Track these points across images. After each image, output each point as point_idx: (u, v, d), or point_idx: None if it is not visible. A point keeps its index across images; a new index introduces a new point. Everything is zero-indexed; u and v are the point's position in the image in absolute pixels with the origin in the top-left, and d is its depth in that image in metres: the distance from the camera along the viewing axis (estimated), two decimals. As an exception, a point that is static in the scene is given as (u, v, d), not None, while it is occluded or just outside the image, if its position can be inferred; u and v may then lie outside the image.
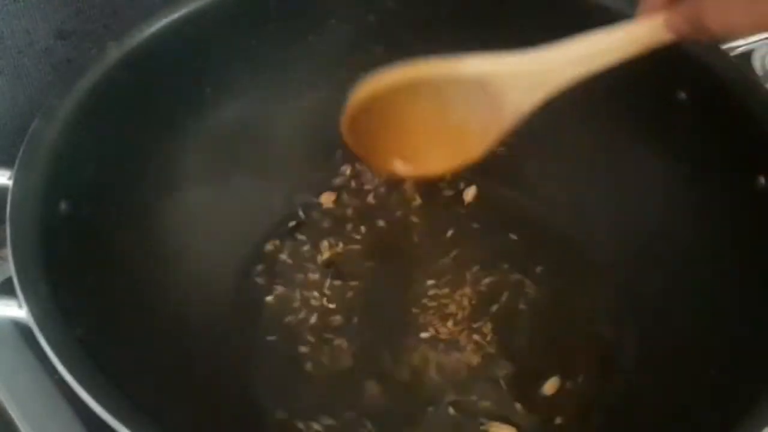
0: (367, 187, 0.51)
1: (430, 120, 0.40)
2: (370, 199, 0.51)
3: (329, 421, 0.41)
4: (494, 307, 0.46)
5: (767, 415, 0.32)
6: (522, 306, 0.46)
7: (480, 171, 0.49)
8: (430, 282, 0.47)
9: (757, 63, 0.55)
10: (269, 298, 0.46)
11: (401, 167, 0.41)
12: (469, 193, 0.51)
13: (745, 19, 0.34)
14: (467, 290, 0.46)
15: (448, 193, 0.51)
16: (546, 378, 0.43)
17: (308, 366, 0.43)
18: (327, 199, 0.50)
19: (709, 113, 0.43)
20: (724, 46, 0.45)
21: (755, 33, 0.34)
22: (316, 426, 0.41)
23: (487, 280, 0.47)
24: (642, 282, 0.45)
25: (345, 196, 0.51)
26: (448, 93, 0.39)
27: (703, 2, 0.34)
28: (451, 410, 0.42)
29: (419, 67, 0.38)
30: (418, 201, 0.50)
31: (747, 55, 0.53)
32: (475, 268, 0.47)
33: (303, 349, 0.44)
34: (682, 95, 0.44)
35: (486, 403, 0.42)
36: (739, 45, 0.46)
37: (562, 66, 0.37)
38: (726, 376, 0.37)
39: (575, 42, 0.37)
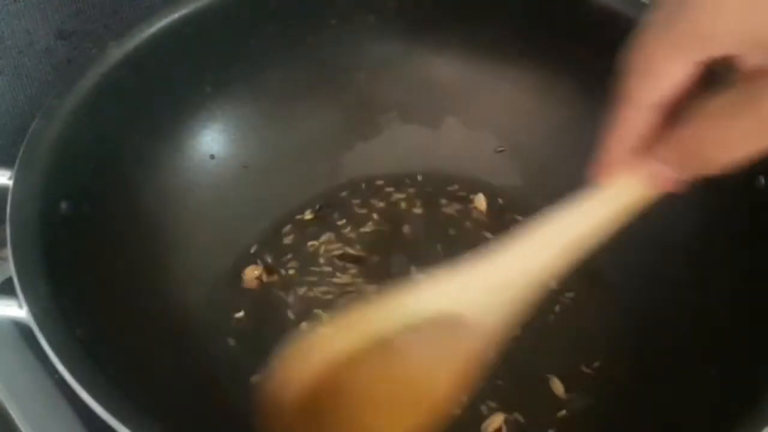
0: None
1: (378, 382, 0.31)
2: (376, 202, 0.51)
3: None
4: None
5: (767, 415, 0.32)
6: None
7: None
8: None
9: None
10: (270, 298, 0.46)
11: None
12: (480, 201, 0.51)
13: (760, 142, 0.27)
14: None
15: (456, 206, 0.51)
16: (544, 379, 0.43)
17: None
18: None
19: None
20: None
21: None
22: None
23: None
24: (640, 282, 0.45)
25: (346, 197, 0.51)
26: (402, 340, 0.30)
27: (699, 132, 0.28)
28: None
29: (362, 321, 0.29)
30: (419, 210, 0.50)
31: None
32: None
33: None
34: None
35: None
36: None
37: (526, 271, 0.30)
38: (726, 376, 0.37)
39: (539, 237, 0.30)
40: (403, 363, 0.31)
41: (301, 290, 0.46)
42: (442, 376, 0.31)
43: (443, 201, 0.50)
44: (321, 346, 0.30)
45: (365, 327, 0.30)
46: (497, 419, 0.41)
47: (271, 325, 0.45)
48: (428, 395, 0.32)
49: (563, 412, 0.42)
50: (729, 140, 0.28)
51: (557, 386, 0.43)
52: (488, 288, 0.30)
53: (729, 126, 0.27)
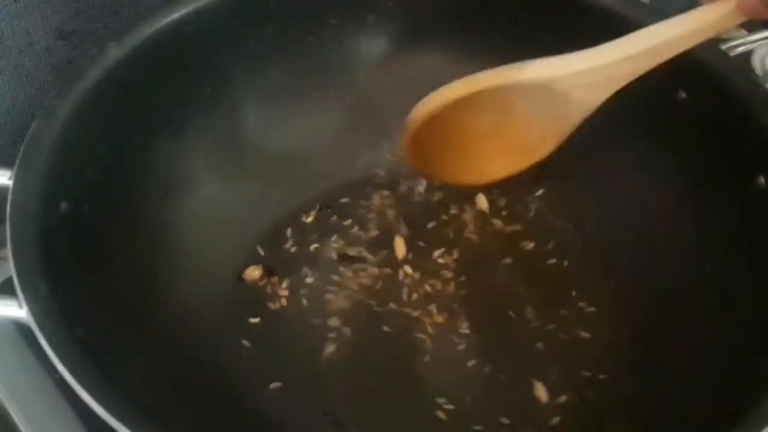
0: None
1: (494, 128, 0.40)
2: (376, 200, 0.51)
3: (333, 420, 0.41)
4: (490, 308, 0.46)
5: (767, 416, 0.32)
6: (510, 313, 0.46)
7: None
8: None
9: (757, 63, 0.55)
10: (272, 298, 0.46)
11: (466, 177, 0.43)
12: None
13: None
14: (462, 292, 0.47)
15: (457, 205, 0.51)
16: (542, 381, 0.43)
17: (310, 365, 0.43)
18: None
19: (709, 113, 0.43)
20: (724, 47, 0.45)
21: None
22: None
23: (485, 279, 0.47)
24: (641, 281, 0.45)
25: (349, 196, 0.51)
26: (512, 100, 0.39)
27: None
28: (441, 414, 0.42)
29: (482, 79, 0.39)
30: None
31: (747, 55, 0.53)
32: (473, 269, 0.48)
33: (304, 348, 0.44)
34: (682, 95, 0.44)
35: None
36: (738, 45, 0.46)
37: (628, 61, 0.37)
38: (726, 376, 0.37)
39: (640, 35, 0.37)
40: (507, 114, 0.40)
41: (301, 290, 0.46)
42: (543, 137, 0.41)
43: (443, 201, 0.50)
44: (445, 94, 0.39)
45: (483, 81, 0.39)
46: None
47: (271, 324, 0.45)
48: (526, 143, 0.41)
49: (558, 416, 0.42)
50: None
51: (547, 388, 0.43)
52: (588, 69, 0.38)
53: None
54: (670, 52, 0.37)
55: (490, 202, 0.50)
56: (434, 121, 0.39)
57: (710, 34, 0.37)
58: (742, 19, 0.36)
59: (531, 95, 0.39)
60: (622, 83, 0.38)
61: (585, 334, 0.45)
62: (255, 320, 0.45)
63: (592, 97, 0.39)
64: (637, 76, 0.38)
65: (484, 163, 0.42)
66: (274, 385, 0.43)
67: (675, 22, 0.37)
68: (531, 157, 0.42)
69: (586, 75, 0.38)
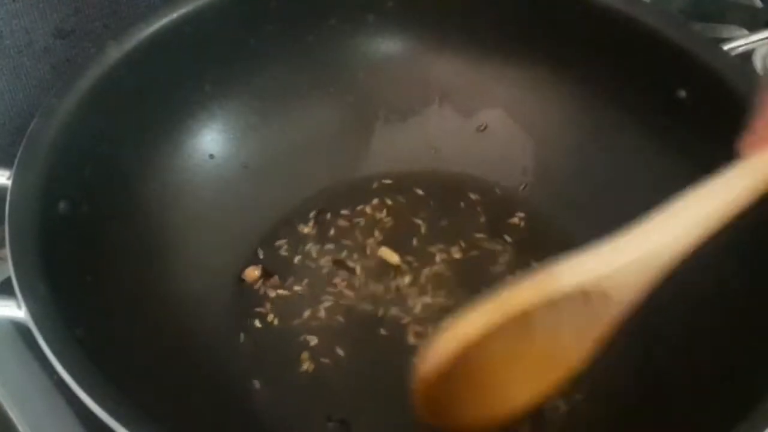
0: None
1: (520, 352, 0.32)
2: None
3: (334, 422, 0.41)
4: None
5: (767, 416, 0.32)
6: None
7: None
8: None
9: (757, 63, 0.55)
10: (271, 298, 0.46)
11: (492, 416, 0.34)
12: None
13: None
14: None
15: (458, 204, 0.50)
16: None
17: (311, 366, 0.43)
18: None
19: (709, 113, 0.43)
20: (725, 47, 0.45)
21: None
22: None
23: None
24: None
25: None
26: (543, 315, 0.32)
27: None
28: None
29: (508, 302, 0.31)
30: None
31: (747, 55, 0.53)
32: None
33: (305, 348, 0.44)
34: (682, 94, 0.44)
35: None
36: (739, 45, 0.46)
37: (670, 243, 0.31)
38: (726, 376, 0.37)
39: (686, 206, 0.31)
40: (536, 332, 0.32)
41: (301, 291, 0.46)
42: (575, 347, 0.34)
43: (443, 200, 0.50)
44: (467, 326, 0.31)
45: (511, 305, 0.31)
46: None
47: (271, 324, 0.45)
48: (561, 366, 0.34)
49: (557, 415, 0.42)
50: None
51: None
52: (629, 262, 0.31)
53: None
54: (724, 218, 0.31)
55: (489, 200, 0.50)
56: (456, 362, 0.31)
57: (759, 192, 0.31)
58: None
59: (563, 307, 0.32)
60: (666, 268, 0.32)
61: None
62: (254, 321, 0.45)
63: (632, 291, 0.32)
64: (689, 252, 0.31)
65: (509, 396, 0.34)
66: (275, 385, 0.43)
67: (722, 184, 0.31)
68: (562, 373, 0.34)
69: (628, 270, 0.31)
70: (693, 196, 0.31)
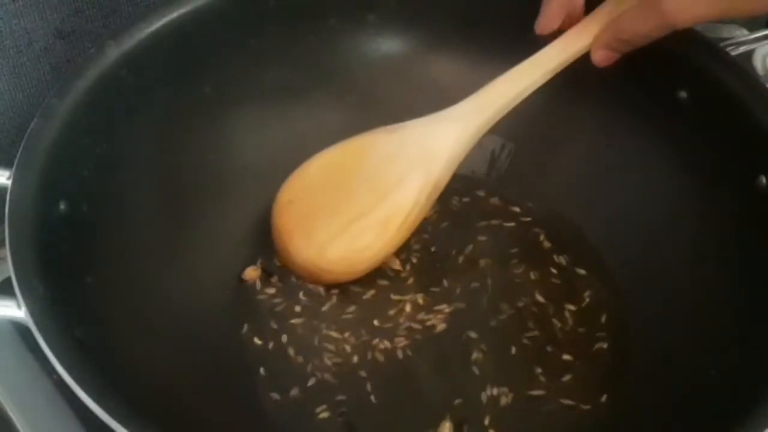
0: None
1: (360, 173, 0.44)
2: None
3: (337, 417, 0.41)
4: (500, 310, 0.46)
5: (767, 415, 0.32)
6: (519, 304, 0.46)
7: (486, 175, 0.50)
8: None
9: (757, 63, 0.55)
10: (271, 298, 0.46)
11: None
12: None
13: (710, 9, 0.37)
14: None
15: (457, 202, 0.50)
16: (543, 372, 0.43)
17: (311, 366, 0.43)
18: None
19: (710, 113, 0.43)
20: (726, 47, 0.45)
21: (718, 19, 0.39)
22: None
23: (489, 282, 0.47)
24: (642, 281, 0.45)
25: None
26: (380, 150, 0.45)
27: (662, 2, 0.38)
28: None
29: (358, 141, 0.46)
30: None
31: (747, 55, 0.53)
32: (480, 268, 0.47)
33: (303, 348, 0.44)
34: (683, 95, 0.44)
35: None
36: (739, 44, 0.46)
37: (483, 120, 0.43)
38: (726, 376, 0.37)
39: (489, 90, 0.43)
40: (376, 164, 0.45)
41: (300, 290, 0.46)
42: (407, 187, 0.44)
43: (443, 200, 0.50)
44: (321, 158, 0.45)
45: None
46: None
47: (270, 325, 0.45)
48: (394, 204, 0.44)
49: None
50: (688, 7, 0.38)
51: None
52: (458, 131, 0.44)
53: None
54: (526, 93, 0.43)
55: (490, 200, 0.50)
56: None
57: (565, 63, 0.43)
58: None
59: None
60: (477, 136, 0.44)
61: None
62: (255, 321, 0.45)
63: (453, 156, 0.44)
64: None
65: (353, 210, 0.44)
66: (276, 384, 0.43)
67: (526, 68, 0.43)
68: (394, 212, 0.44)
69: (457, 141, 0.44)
70: (501, 80, 0.43)
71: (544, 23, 0.44)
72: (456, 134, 0.44)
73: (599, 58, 0.43)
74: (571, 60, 0.43)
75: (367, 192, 0.45)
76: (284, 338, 0.45)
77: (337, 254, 0.44)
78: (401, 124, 0.45)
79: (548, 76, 0.43)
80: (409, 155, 0.44)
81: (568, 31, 0.43)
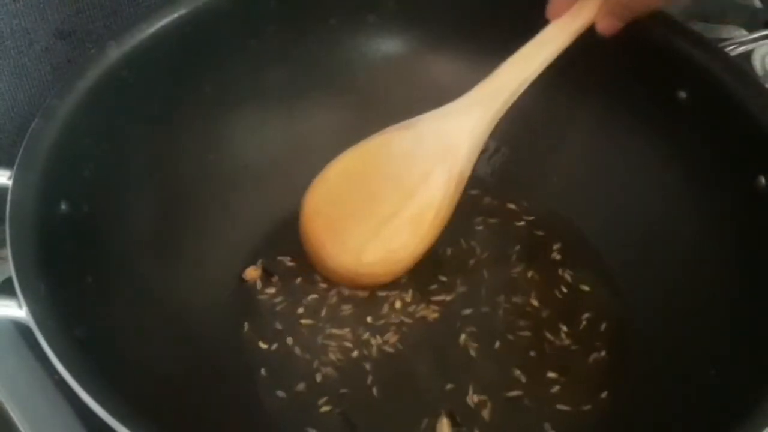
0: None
1: (385, 175, 0.44)
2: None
3: (338, 416, 0.41)
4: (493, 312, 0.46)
5: (767, 415, 0.32)
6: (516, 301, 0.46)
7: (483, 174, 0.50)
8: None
9: (757, 63, 0.55)
10: (272, 298, 0.46)
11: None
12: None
13: None
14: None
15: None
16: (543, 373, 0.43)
17: (313, 364, 0.43)
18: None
19: (709, 113, 0.43)
20: (725, 47, 0.45)
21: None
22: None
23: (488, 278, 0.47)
24: (641, 282, 0.45)
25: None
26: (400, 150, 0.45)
27: None
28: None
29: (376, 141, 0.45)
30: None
31: (746, 55, 0.53)
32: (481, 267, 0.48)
33: (304, 346, 0.44)
34: (682, 95, 0.44)
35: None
36: (739, 45, 0.46)
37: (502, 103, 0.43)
38: (726, 376, 0.37)
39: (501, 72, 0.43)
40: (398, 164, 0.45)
41: (301, 290, 0.46)
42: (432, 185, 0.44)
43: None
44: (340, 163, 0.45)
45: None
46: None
47: (271, 325, 0.45)
48: (421, 202, 0.44)
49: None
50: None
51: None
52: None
53: None
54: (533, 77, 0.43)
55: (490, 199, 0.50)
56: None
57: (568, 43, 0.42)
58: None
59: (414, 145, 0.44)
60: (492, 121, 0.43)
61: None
62: (255, 321, 0.45)
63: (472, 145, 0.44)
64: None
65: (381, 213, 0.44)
66: (277, 384, 0.43)
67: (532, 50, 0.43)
68: (422, 210, 0.44)
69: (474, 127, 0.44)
70: (508, 63, 0.43)
71: (555, 9, 0.43)
72: (473, 123, 0.43)
73: (603, 26, 0.42)
74: (575, 36, 0.43)
75: (392, 192, 0.44)
76: (285, 338, 0.45)
77: (374, 257, 0.44)
78: (413, 120, 0.45)
79: (555, 55, 0.43)
80: (428, 150, 0.44)
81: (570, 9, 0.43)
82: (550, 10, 0.43)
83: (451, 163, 0.44)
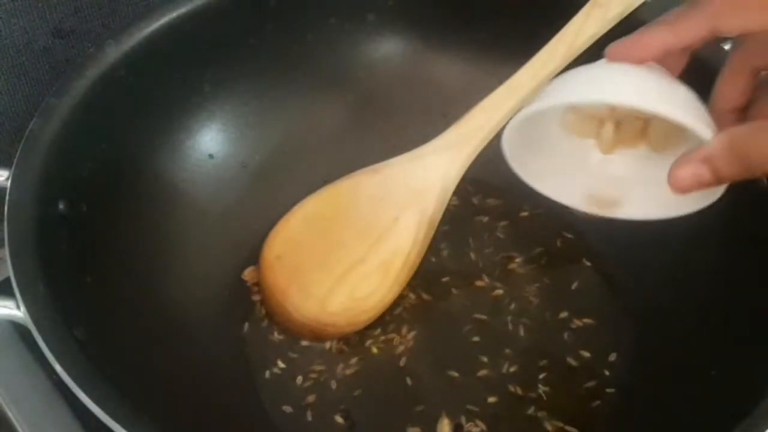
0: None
1: (350, 219, 0.43)
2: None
3: (338, 418, 0.41)
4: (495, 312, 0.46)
5: (767, 415, 0.32)
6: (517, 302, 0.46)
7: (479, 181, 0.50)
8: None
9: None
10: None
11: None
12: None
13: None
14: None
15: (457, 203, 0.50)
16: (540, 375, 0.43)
17: (313, 364, 0.43)
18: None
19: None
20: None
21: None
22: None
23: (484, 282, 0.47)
24: (641, 282, 0.45)
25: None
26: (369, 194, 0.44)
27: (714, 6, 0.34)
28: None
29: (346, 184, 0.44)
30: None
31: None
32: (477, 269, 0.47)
33: (304, 346, 0.44)
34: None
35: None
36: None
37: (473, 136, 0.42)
38: (726, 376, 0.37)
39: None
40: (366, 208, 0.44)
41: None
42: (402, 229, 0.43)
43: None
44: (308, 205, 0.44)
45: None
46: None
47: (270, 326, 0.45)
48: (391, 245, 0.43)
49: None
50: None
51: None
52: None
53: None
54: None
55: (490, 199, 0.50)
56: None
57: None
58: None
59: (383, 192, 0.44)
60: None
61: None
62: (255, 321, 0.45)
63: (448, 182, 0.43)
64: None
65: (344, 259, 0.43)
66: (277, 384, 0.43)
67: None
68: (392, 256, 0.43)
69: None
70: (481, 107, 0.42)
71: (619, 51, 0.36)
72: (444, 168, 0.42)
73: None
74: (546, 81, 0.41)
75: (359, 238, 0.43)
76: (286, 337, 0.45)
77: (340, 305, 0.43)
78: (382, 164, 0.44)
79: (525, 101, 0.39)
80: (397, 195, 0.43)
81: (539, 53, 0.41)
82: (614, 51, 0.36)
83: (422, 207, 0.43)
